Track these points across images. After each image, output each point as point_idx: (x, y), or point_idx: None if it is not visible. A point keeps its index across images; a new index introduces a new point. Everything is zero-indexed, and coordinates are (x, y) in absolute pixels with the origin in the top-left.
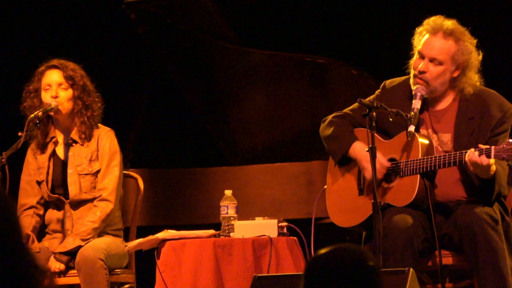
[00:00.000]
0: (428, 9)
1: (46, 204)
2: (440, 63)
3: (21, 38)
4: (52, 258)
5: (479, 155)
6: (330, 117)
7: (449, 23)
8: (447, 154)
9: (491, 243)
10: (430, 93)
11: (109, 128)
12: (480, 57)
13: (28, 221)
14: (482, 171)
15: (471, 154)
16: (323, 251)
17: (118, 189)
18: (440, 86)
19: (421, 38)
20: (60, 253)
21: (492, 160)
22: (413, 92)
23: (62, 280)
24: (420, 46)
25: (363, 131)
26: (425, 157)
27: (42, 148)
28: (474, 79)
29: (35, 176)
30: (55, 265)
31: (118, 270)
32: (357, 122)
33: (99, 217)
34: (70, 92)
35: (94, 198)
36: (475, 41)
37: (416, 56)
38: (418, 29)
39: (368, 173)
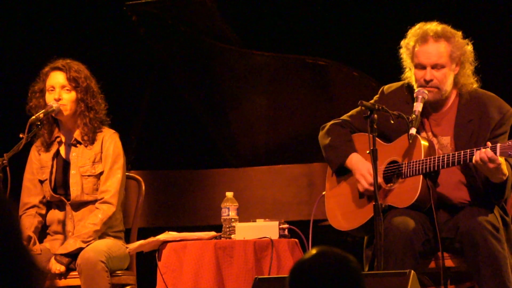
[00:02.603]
0: (428, 11)
1: (48, 205)
2: (443, 66)
3: (22, 41)
4: (52, 259)
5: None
6: (328, 125)
7: (433, 26)
8: (451, 154)
9: (492, 252)
10: (441, 97)
11: (113, 131)
12: (471, 47)
13: (30, 221)
14: (491, 168)
15: (478, 152)
16: (306, 255)
17: (121, 192)
18: (449, 87)
19: (411, 49)
20: (61, 254)
21: (500, 159)
22: (415, 95)
23: (62, 282)
24: (416, 59)
25: (363, 136)
26: (428, 158)
27: (47, 146)
28: (470, 70)
29: (37, 175)
30: (56, 267)
31: (119, 272)
32: (356, 129)
33: (100, 220)
34: (73, 94)
35: (96, 200)
36: (460, 33)
37: (413, 69)
38: (403, 42)
39: (361, 187)
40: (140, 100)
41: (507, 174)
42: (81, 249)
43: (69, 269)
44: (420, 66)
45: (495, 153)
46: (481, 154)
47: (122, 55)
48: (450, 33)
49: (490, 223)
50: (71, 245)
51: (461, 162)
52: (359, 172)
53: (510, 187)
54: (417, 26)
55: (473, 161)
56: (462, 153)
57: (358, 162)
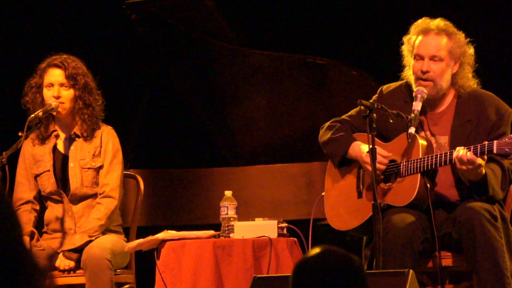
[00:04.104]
0: (429, 10)
1: (42, 202)
2: (441, 59)
3: (21, 39)
4: (60, 256)
5: (473, 152)
6: (328, 123)
7: (437, 21)
8: (448, 152)
9: (489, 239)
10: (436, 93)
11: (110, 127)
12: (472, 50)
13: (27, 217)
14: (468, 169)
15: (460, 150)
16: (309, 254)
17: (121, 186)
18: (445, 83)
19: (412, 43)
20: (69, 250)
21: (480, 160)
22: (414, 94)
23: (64, 280)
24: (416, 50)
25: (362, 136)
26: (425, 156)
27: (42, 139)
28: (470, 73)
29: (31, 169)
30: (65, 263)
31: (118, 271)
32: (356, 128)
33: (104, 214)
34: (71, 92)
35: (95, 194)
36: (463, 34)
37: (412, 61)
38: (405, 38)
39: (369, 174)
40: (139, 99)
41: (484, 172)
42: (88, 242)
43: (76, 265)
44: (418, 57)
45: (492, 150)
46: (462, 152)
47: (121, 53)
48: (452, 29)
49: (488, 211)
50: (78, 240)
51: None
52: (363, 160)
53: (496, 185)
54: (420, 20)
55: (454, 155)
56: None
57: (360, 149)
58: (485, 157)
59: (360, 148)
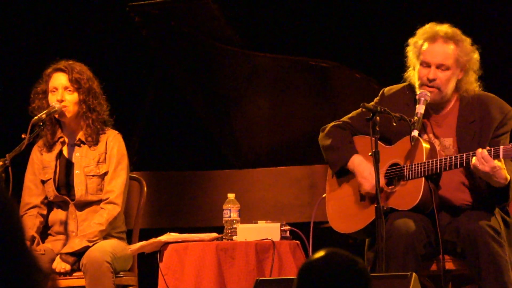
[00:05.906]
0: (431, 13)
1: (50, 205)
2: (448, 68)
3: (25, 41)
4: (57, 258)
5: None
6: (329, 126)
7: (445, 28)
8: (453, 156)
9: (494, 256)
10: (440, 99)
11: (117, 132)
12: (477, 56)
13: (32, 222)
14: (487, 171)
15: (475, 158)
16: (314, 257)
17: (125, 192)
18: (450, 90)
19: (419, 48)
20: (66, 253)
21: (497, 162)
22: (417, 97)
23: (65, 282)
24: (422, 56)
25: (364, 138)
26: (430, 160)
27: (49, 146)
28: (474, 78)
29: (39, 175)
30: (61, 266)
31: (121, 273)
32: (356, 131)
33: (106, 220)
34: (75, 95)
35: (100, 200)
36: (469, 40)
37: (418, 66)
38: (412, 41)
39: (363, 190)
40: (142, 101)
41: (509, 178)
42: (86, 248)
43: (73, 269)
44: (425, 64)
45: (498, 155)
46: (477, 156)
47: (125, 56)
48: (459, 37)
49: (491, 226)
50: (76, 244)
51: (463, 165)
52: (361, 175)
53: None
54: (428, 25)
55: (471, 165)
56: (464, 156)
57: (360, 164)
58: (502, 159)
59: (359, 164)
